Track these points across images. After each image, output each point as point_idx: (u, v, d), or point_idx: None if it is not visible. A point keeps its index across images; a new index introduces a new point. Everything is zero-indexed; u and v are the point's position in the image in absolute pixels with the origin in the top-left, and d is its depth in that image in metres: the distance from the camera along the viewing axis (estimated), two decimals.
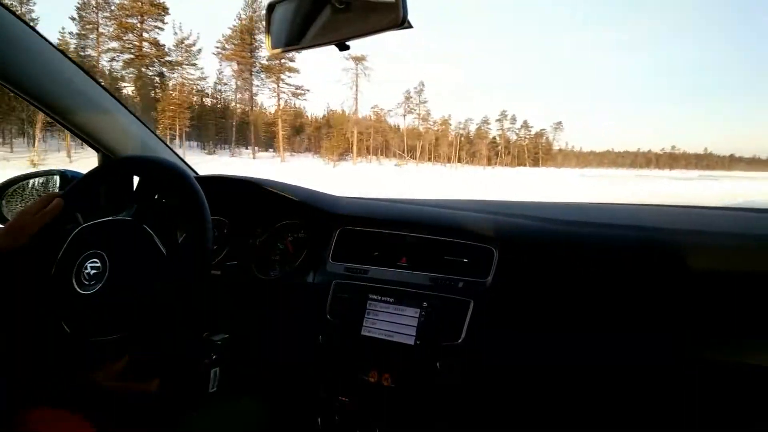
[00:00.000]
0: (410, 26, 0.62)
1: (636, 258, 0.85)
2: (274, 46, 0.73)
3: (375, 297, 0.95)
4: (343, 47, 0.68)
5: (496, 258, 0.90)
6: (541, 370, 0.86)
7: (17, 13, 0.85)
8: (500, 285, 0.88)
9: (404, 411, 0.89)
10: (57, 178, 1.23)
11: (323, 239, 1.06)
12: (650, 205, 1.18)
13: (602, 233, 0.91)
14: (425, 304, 0.90)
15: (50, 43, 0.90)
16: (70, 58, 0.95)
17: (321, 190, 1.22)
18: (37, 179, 1.25)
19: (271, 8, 0.72)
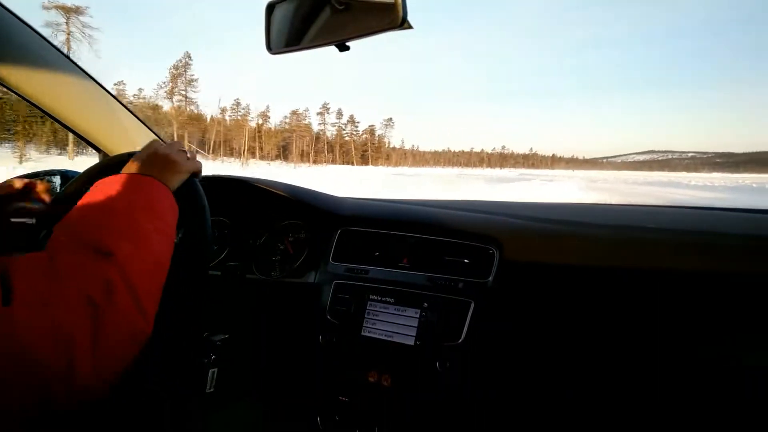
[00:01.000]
0: (410, 26, 0.62)
1: (636, 258, 0.85)
2: (273, 47, 0.73)
3: (375, 297, 0.95)
4: (343, 48, 0.68)
5: (497, 258, 0.90)
6: (541, 370, 0.86)
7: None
8: (501, 285, 0.88)
9: (404, 411, 0.89)
10: (58, 178, 1.23)
11: (324, 240, 1.06)
12: (650, 206, 1.18)
13: (602, 234, 0.91)
14: (425, 304, 0.90)
15: (51, 44, 0.90)
16: (70, 59, 0.95)
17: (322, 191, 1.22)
18: (38, 179, 1.26)
19: (270, 8, 0.72)
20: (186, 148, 0.73)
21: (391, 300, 0.93)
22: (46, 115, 0.94)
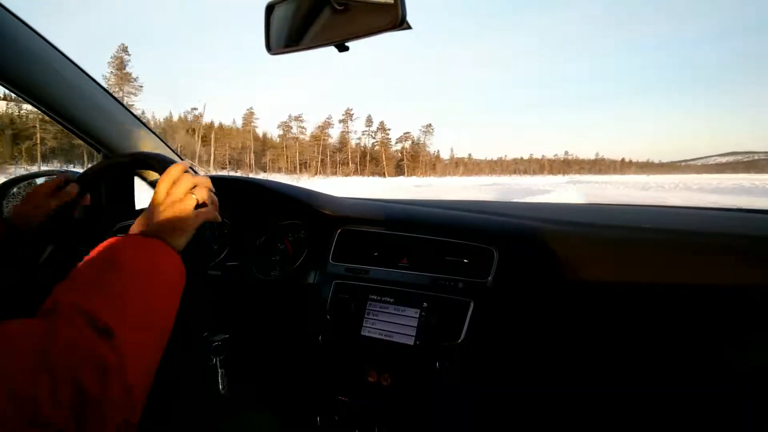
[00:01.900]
0: (409, 27, 0.62)
1: (636, 258, 0.85)
2: (273, 48, 0.73)
3: (375, 297, 0.95)
4: (343, 48, 0.68)
5: (497, 259, 0.90)
6: (540, 370, 0.86)
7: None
8: (500, 285, 0.88)
9: (404, 411, 0.89)
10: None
11: (324, 239, 1.06)
12: (651, 206, 1.18)
13: (602, 234, 0.91)
14: (425, 304, 0.90)
15: (51, 45, 0.91)
16: (70, 60, 0.95)
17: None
18: (39, 179, 1.26)
19: (269, 9, 0.72)
20: (205, 182, 0.68)
21: (391, 300, 0.94)
22: (46, 115, 0.94)
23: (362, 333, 0.93)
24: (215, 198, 0.68)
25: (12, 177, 1.24)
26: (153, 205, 0.63)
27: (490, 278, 0.89)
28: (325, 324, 0.98)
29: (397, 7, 0.61)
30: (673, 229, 0.89)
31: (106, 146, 1.10)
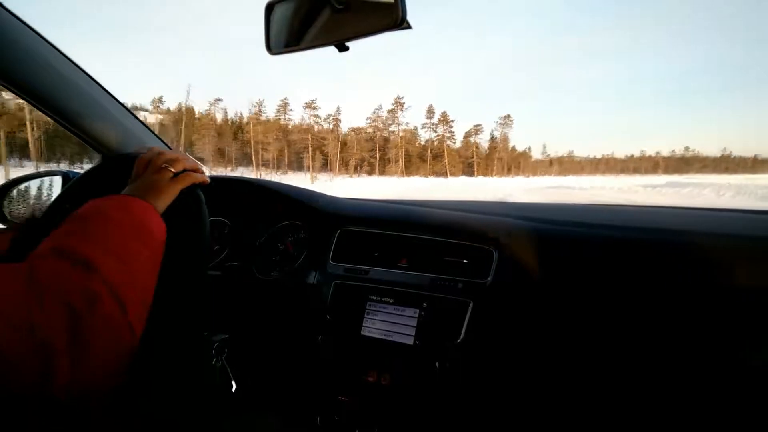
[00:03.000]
0: (409, 26, 0.62)
1: (636, 259, 0.85)
2: (273, 47, 0.73)
3: (375, 297, 0.95)
4: (343, 48, 0.68)
5: (496, 259, 0.90)
6: (540, 371, 0.86)
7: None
8: (499, 286, 0.88)
9: (403, 411, 0.89)
10: (59, 179, 1.23)
11: (323, 240, 1.06)
12: (651, 206, 1.18)
13: (602, 234, 0.91)
14: (425, 304, 0.90)
15: (50, 44, 0.90)
16: (69, 59, 0.95)
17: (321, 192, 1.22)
18: (39, 180, 1.26)
19: (269, 9, 0.72)
20: (185, 158, 0.70)
21: (391, 300, 0.94)
22: (46, 115, 0.94)
23: (362, 333, 0.93)
24: (197, 165, 0.72)
25: (12, 178, 1.24)
26: (130, 181, 0.67)
27: (489, 278, 0.89)
28: (324, 324, 0.98)
29: (398, 6, 0.61)
30: (673, 229, 0.89)
31: (105, 146, 1.10)
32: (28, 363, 0.40)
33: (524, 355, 0.87)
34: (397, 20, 0.61)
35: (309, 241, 1.09)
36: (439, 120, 77.27)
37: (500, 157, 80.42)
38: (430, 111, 77.77)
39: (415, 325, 0.90)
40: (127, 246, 0.53)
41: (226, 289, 1.09)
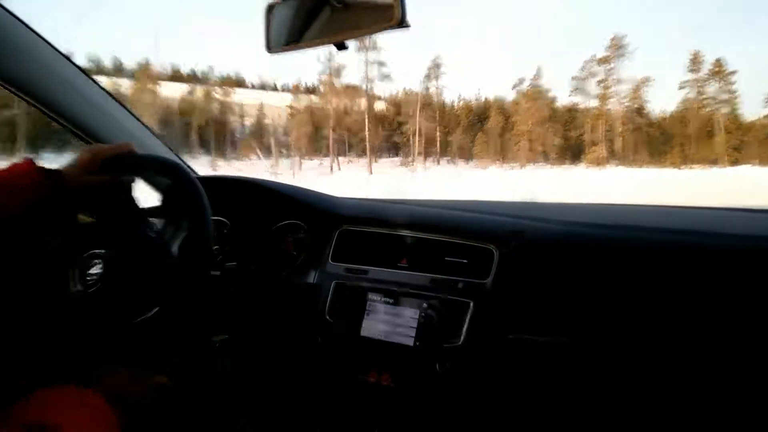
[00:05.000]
0: (408, 26, 0.62)
1: (637, 259, 0.84)
2: (272, 46, 0.73)
3: (375, 297, 0.95)
4: (342, 47, 0.68)
5: (496, 259, 0.90)
6: (541, 371, 0.86)
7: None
8: (500, 286, 0.88)
9: (403, 411, 0.89)
10: None
11: (323, 240, 1.06)
12: (651, 206, 1.18)
13: (603, 234, 0.91)
14: (425, 305, 0.90)
15: (48, 43, 0.91)
16: (68, 58, 0.95)
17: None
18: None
19: (270, 8, 0.72)
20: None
21: (391, 300, 0.93)
22: (45, 114, 0.94)
23: (362, 333, 0.93)
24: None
25: None
26: None
27: (489, 279, 0.89)
28: (324, 324, 0.97)
29: (397, 6, 0.61)
30: (674, 229, 0.89)
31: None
32: None
33: (525, 356, 0.87)
34: (396, 20, 0.61)
35: (309, 240, 1.09)
36: (712, 71, 39.09)
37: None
38: (697, 58, 39.18)
39: (415, 326, 0.89)
40: None
41: (226, 290, 1.09)
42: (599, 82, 41.62)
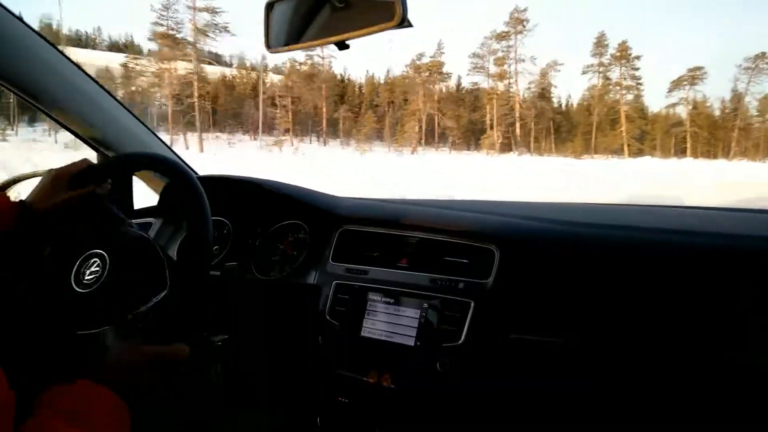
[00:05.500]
0: (410, 25, 0.61)
1: (638, 259, 0.84)
2: (272, 45, 0.73)
3: (375, 297, 0.95)
4: (343, 46, 0.68)
5: (497, 259, 0.89)
6: (542, 371, 0.86)
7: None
8: (501, 286, 0.88)
9: (404, 412, 0.88)
10: None
11: (323, 240, 1.06)
12: (652, 206, 1.18)
13: (604, 234, 0.90)
14: (425, 304, 0.90)
15: (48, 42, 0.90)
16: (67, 57, 0.95)
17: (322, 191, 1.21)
18: (39, 180, 1.25)
19: (270, 7, 0.72)
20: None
21: (391, 300, 0.93)
22: (45, 114, 0.94)
23: (362, 334, 0.93)
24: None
25: (12, 177, 1.24)
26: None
27: (490, 279, 0.88)
28: (324, 324, 0.97)
29: (398, 5, 0.61)
30: (675, 229, 0.89)
31: (104, 146, 1.10)
32: None
33: (525, 356, 0.87)
34: (397, 19, 0.61)
35: (309, 240, 1.09)
36: (615, 56, 37.47)
37: (745, 128, 37.61)
38: (600, 41, 37.69)
39: (415, 326, 0.89)
40: None
41: (226, 290, 1.09)
42: (496, 60, 37.72)
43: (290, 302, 1.05)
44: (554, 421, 0.86)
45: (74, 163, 0.77)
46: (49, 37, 0.94)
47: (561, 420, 0.85)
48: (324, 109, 37.77)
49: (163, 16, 31.84)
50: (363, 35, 0.66)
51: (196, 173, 1.21)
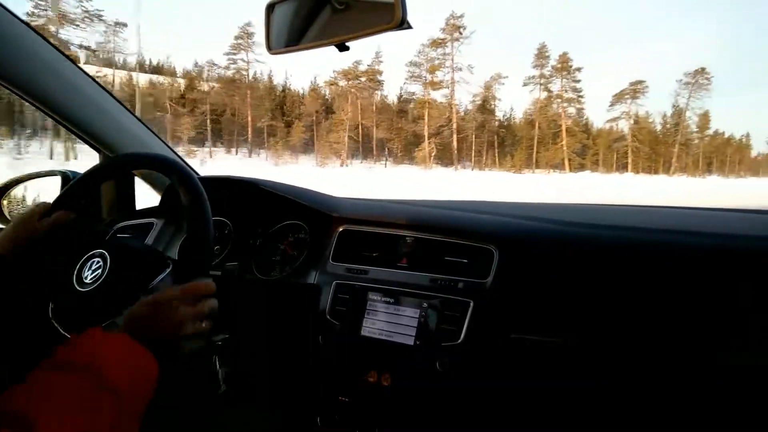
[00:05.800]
0: (410, 27, 0.62)
1: (637, 260, 0.84)
2: (273, 47, 0.73)
3: (375, 297, 0.95)
4: (343, 48, 0.68)
5: (497, 259, 0.90)
6: (541, 371, 0.86)
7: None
8: (500, 286, 0.88)
9: (404, 411, 0.89)
10: (59, 178, 1.23)
11: (324, 240, 1.06)
12: (652, 206, 1.18)
13: (604, 234, 0.91)
14: (425, 304, 0.90)
15: (50, 43, 0.91)
16: (69, 58, 0.95)
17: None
18: (39, 180, 1.26)
19: (270, 8, 0.72)
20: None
21: (391, 300, 0.93)
22: (46, 114, 0.94)
23: (362, 333, 0.93)
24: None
25: (12, 178, 1.25)
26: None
27: (490, 279, 0.89)
28: (325, 324, 0.98)
29: (398, 7, 0.61)
30: (674, 230, 0.89)
31: (105, 146, 1.10)
32: None
33: (525, 355, 0.87)
34: (397, 20, 0.61)
35: (309, 240, 1.09)
36: (556, 67, 37.01)
37: (685, 143, 39.79)
38: (542, 52, 37.14)
39: (415, 325, 0.89)
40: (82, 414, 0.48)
41: (227, 290, 1.09)
42: (430, 68, 36.06)
43: (290, 302, 1.05)
44: (554, 421, 0.86)
45: (32, 208, 0.81)
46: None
47: (561, 420, 0.86)
48: (249, 119, 35.20)
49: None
50: (363, 37, 0.66)
51: (197, 173, 1.21)
